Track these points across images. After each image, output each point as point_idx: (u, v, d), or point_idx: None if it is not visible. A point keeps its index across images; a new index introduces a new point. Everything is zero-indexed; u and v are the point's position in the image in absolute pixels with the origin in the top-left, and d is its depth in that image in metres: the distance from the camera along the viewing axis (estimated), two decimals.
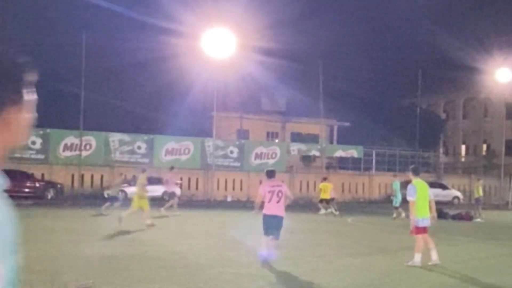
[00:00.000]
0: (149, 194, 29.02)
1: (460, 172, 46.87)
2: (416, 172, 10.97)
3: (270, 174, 10.94)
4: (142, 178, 16.80)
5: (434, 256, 10.07)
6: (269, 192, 10.35)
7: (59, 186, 28.94)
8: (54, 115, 30.41)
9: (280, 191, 10.40)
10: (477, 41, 41.76)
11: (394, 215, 22.26)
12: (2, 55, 1.26)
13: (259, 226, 10.30)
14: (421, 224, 10.11)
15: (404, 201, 14.84)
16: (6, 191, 1.28)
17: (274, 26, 35.05)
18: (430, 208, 10.45)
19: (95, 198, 29.00)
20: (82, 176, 30.81)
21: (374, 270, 9.85)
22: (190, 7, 32.92)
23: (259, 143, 36.68)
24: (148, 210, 16.07)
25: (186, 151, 33.38)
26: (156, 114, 37.27)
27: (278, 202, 10.31)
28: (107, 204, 20.11)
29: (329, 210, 23.41)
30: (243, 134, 38.96)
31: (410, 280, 8.93)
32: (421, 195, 10.24)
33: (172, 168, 24.13)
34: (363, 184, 37.75)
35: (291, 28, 38.87)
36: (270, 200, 10.32)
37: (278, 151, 35.73)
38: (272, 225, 10.17)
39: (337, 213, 22.97)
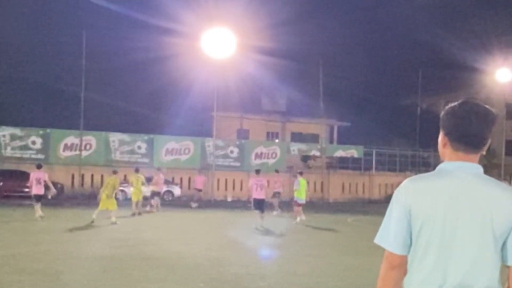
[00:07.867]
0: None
1: None
2: (301, 174, 19.09)
3: None
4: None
5: None
6: None
7: (59, 186, 28.89)
8: (54, 115, 30.45)
9: None
10: (477, 41, 41.72)
11: None
12: None
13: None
14: None
15: None
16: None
17: (274, 26, 35.11)
18: None
19: (95, 198, 29.00)
20: (82, 176, 30.82)
21: (374, 270, 9.80)
22: (190, 7, 32.96)
23: (259, 143, 36.65)
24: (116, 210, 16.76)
25: (186, 151, 33.37)
26: (156, 114, 37.30)
27: None
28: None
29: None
30: (243, 134, 38.93)
31: None
32: None
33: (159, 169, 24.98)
34: (363, 184, 37.74)
35: (291, 28, 38.84)
36: None
37: (278, 151, 35.72)
38: None
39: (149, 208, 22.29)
